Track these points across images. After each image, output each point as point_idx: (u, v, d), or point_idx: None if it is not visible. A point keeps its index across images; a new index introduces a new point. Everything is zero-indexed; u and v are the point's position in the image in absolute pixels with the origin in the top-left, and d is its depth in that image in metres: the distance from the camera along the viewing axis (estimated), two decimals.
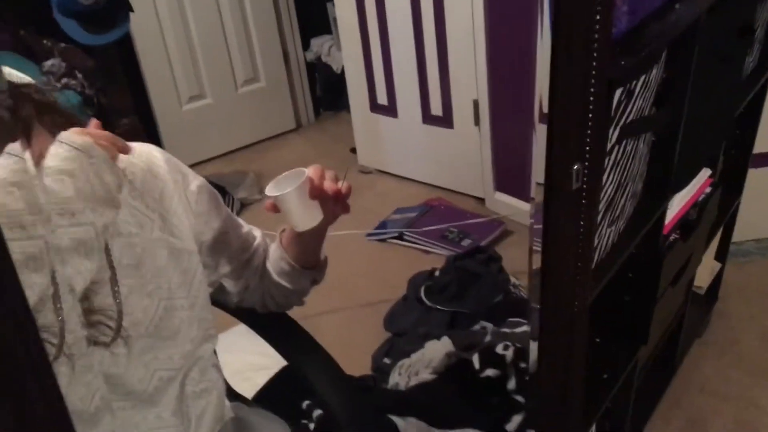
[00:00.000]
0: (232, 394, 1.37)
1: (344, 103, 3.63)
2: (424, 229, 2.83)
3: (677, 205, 1.45)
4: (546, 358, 0.86)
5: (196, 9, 3.47)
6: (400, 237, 2.84)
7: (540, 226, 0.75)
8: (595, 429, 1.47)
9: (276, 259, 1.15)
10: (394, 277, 2.57)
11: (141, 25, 3.21)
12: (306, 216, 0.99)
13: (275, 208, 0.99)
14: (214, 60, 3.61)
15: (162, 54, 3.43)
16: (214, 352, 1.12)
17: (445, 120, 3.07)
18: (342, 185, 1.02)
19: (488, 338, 2.03)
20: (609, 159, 1.02)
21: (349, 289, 2.56)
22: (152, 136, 3.41)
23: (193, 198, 1.01)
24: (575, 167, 0.62)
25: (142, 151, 0.98)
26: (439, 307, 2.31)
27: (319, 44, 3.95)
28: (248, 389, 1.65)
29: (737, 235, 2.34)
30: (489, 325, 2.15)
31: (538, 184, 0.65)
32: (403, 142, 3.28)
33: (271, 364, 2.00)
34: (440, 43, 2.90)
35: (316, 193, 0.98)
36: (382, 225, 2.94)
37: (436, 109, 3.08)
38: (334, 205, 1.03)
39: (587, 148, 0.62)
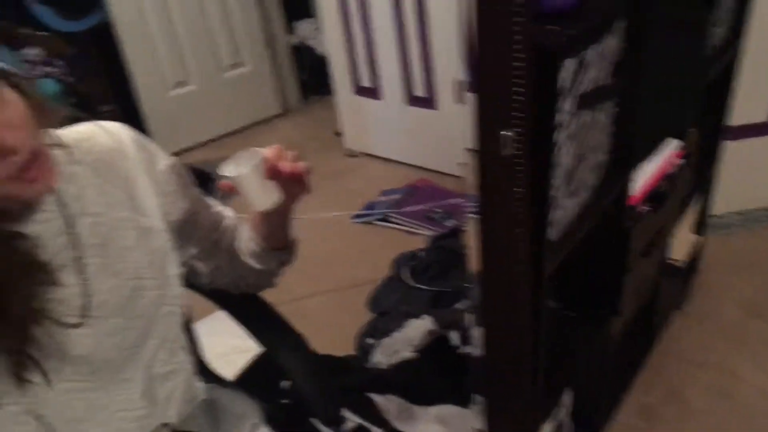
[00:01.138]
0: (210, 376, 1.39)
1: (330, 88, 3.62)
2: (409, 209, 2.84)
3: (645, 177, 1.46)
4: (489, 334, 0.87)
5: None
6: (386, 219, 2.85)
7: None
8: (573, 398, 1.49)
9: (245, 239, 1.15)
10: (379, 259, 2.58)
11: (122, 11, 3.19)
12: (263, 196, 0.99)
13: (232, 189, 0.98)
14: (197, 45, 3.61)
15: (145, 40, 3.42)
16: (188, 333, 1.13)
17: (429, 101, 3.06)
18: (299, 165, 1.01)
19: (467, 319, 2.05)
20: (566, 130, 1.03)
21: (334, 271, 2.58)
22: (137, 123, 3.41)
23: (161, 177, 1.01)
24: (503, 133, 0.62)
25: (110, 130, 0.98)
26: (421, 286, 2.33)
27: (303, 28, 3.93)
28: (231, 372, 1.67)
29: (719, 208, 2.35)
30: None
31: (468, 149, 0.65)
32: (387, 124, 3.28)
33: (253, 347, 2.02)
34: (421, 24, 2.89)
35: (270, 173, 0.96)
36: (368, 207, 2.95)
37: (420, 90, 3.08)
38: (292, 185, 1.02)
39: (516, 114, 0.62)
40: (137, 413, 1.00)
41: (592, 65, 1.03)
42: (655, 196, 1.50)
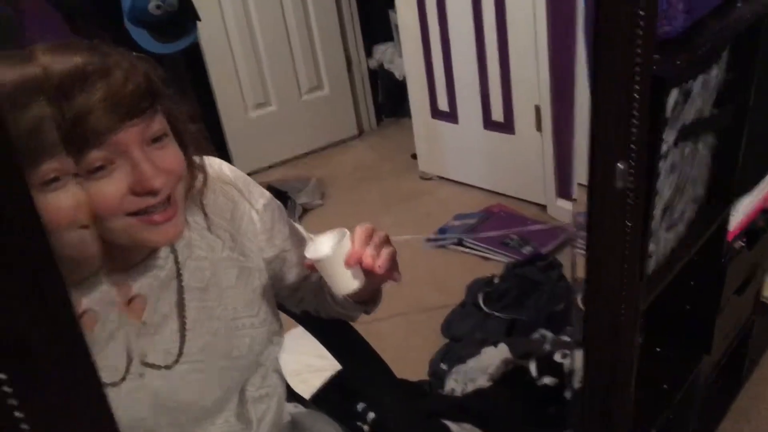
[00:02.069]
0: (291, 395, 1.40)
1: (406, 110, 3.64)
2: (484, 235, 2.81)
3: (743, 211, 1.40)
4: (590, 366, 0.85)
5: (261, 18, 3.55)
6: (460, 243, 2.83)
7: (585, 230, 0.74)
8: None
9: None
10: (452, 283, 2.56)
11: (209, 33, 3.31)
12: (342, 282, 0.90)
13: (313, 269, 0.93)
14: (279, 68, 3.69)
15: (229, 62, 3.53)
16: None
17: (507, 126, 3.04)
18: (383, 259, 0.89)
19: (547, 346, 2.00)
20: (666, 161, 1.00)
21: (407, 295, 2.57)
22: (219, 143, 3.50)
23: (258, 216, 0.99)
24: (619, 165, 0.61)
25: (214, 167, 0.96)
26: (497, 313, 2.29)
27: (382, 51, 3.98)
28: (305, 390, 1.68)
29: None
30: (548, 333, 2.12)
31: (580, 185, 0.64)
32: (463, 148, 3.27)
33: (327, 366, 2.03)
34: (502, 49, 2.88)
35: (352, 262, 0.88)
36: (442, 231, 2.94)
37: (498, 114, 3.06)
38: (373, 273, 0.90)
39: (632, 146, 0.61)
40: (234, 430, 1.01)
41: (696, 95, 1.00)
42: (752, 231, 1.45)
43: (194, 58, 3.25)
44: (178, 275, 0.90)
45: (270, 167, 3.77)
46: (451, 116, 3.26)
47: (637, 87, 0.57)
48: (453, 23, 3.03)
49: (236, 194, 0.97)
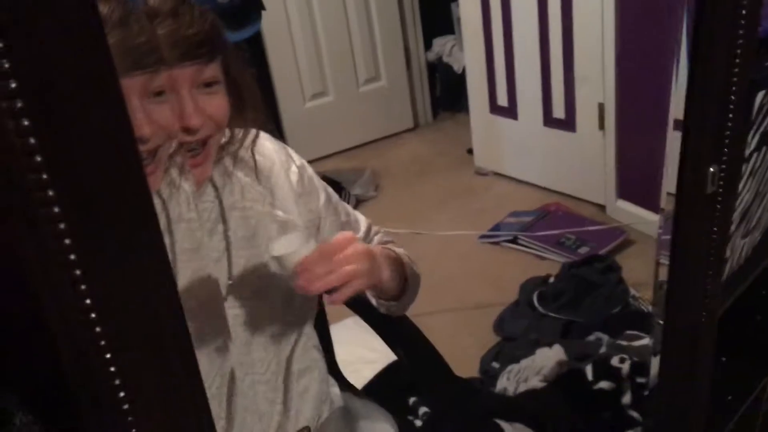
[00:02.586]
0: (344, 384, 1.40)
1: (462, 104, 3.61)
2: (540, 233, 2.77)
3: None
4: (667, 375, 0.82)
5: (323, 8, 3.57)
6: (515, 241, 2.79)
7: (668, 237, 0.71)
8: None
9: None
10: (506, 281, 2.53)
11: (271, 23, 3.33)
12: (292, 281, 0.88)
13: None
14: (338, 59, 3.70)
15: (289, 52, 3.55)
16: (322, 333, 1.15)
17: (568, 123, 2.99)
18: (326, 279, 0.86)
19: (603, 350, 1.96)
20: (747, 165, 0.96)
21: (460, 291, 2.55)
22: (276, 131, 3.53)
23: (294, 178, 1.05)
24: (711, 169, 0.58)
25: (251, 133, 1.03)
26: (552, 314, 2.26)
27: (442, 44, 3.95)
28: (356, 382, 1.67)
29: None
30: (604, 337, 2.08)
31: (669, 194, 0.62)
32: (522, 144, 3.23)
33: (379, 358, 2.03)
34: (566, 43, 2.83)
35: (298, 270, 0.86)
36: (496, 228, 2.91)
37: (559, 111, 3.01)
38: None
39: (725, 149, 0.58)
40: (276, 407, 1.02)
41: None
42: None
43: (256, 47, 3.28)
44: (224, 221, 0.95)
45: (326, 157, 3.79)
46: (511, 112, 3.22)
47: (734, 88, 0.55)
48: (516, 17, 2.99)
49: (273, 155, 1.03)
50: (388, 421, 1.23)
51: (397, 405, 1.71)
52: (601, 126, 2.82)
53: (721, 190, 0.60)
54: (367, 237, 1.18)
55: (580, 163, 2.97)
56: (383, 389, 1.72)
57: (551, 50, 2.90)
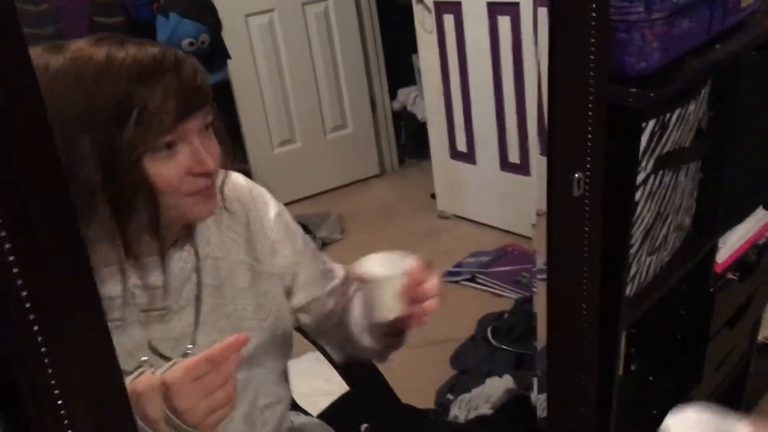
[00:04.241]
0: (298, 407, 1.45)
1: (427, 152, 3.74)
2: (496, 270, 2.87)
3: (734, 244, 1.46)
4: (554, 395, 0.88)
5: (290, 58, 3.70)
6: (473, 279, 2.89)
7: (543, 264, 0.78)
8: None
9: (357, 310, 1.10)
10: (464, 318, 2.61)
11: (240, 72, 3.46)
12: (390, 305, 0.91)
13: (362, 281, 0.95)
14: (305, 107, 3.83)
15: (258, 100, 3.67)
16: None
17: (522, 167, 3.12)
18: (429, 306, 0.94)
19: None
20: (645, 187, 1.08)
21: (418, 327, 2.62)
22: (245, 177, 3.61)
23: (270, 224, 1.05)
24: (576, 175, 0.68)
25: (230, 176, 1.02)
26: (504, 347, 2.34)
27: (406, 94, 4.11)
28: (312, 411, 1.73)
29: None
30: None
31: (539, 214, 0.70)
32: (481, 188, 3.35)
33: (335, 390, 2.09)
34: (518, 93, 2.98)
35: (406, 293, 0.91)
36: (458, 266, 3.00)
37: (514, 156, 3.14)
38: (417, 311, 0.94)
39: (588, 158, 0.68)
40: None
41: (674, 128, 1.08)
42: (744, 265, 1.50)
43: (224, 95, 3.39)
44: (198, 270, 0.96)
45: (294, 202, 3.88)
46: (470, 157, 3.36)
47: (590, 105, 0.65)
48: (472, 68, 3.14)
49: (250, 202, 1.04)
50: None
51: (348, 431, 1.77)
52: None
53: (587, 193, 0.70)
54: (345, 284, 1.15)
55: (535, 206, 3.08)
56: (337, 416, 1.77)
57: (505, 98, 3.05)
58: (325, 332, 1.18)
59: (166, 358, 0.93)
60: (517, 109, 3.02)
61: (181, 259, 0.95)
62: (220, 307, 0.98)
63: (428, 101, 3.45)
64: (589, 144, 0.67)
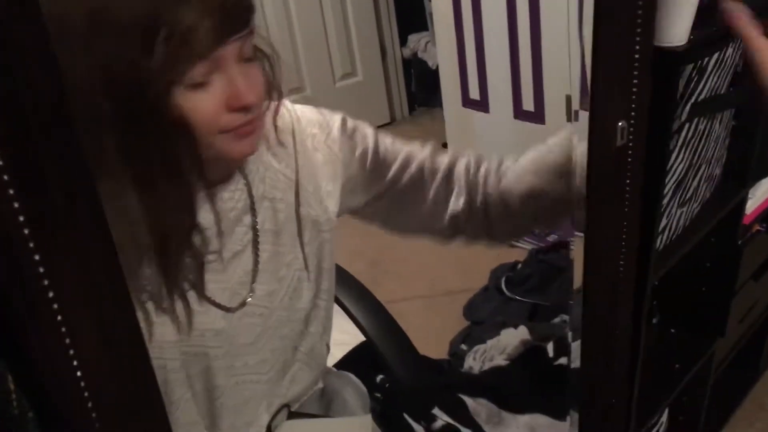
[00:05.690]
0: None
1: (438, 100, 3.67)
2: None
3: (762, 195, 1.41)
4: (587, 345, 0.87)
5: (299, 5, 3.61)
6: None
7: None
8: (666, 417, 1.45)
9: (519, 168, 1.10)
10: (476, 268, 2.59)
11: None
12: None
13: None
14: (314, 54, 3.75)
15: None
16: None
17: (537, 115, 3.05)
18: None
19: (567, 330, 2.03)
20: (679, 136, 1.03)
21: (431, 277, 2.61)
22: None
23: (336, 145, 0.98)
24: (620, 124, 0.64)
25: (288, 108, 0.96)
26: (518, 298, 2.32)
27: (416, 40, 4.01)
28: (328, 362, 1.73)
29: None
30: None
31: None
32: (494, 136, 3.29)
33: (349, 339, 2.09)
34: (534, 38, 2.90)
35: None
36: None
37: (528, 104, 3.07)
38: None
39: (632, 105, 0.64)
40: (268, 376, 0.97)
41: (711, 73, 1.02)
42: None
43: None
44: (252, 211, 0.87)
45: None
46: (482, 105, 3.28)
47: (637, 47, 0.60)
48: (486, 12, 3.05)
49: (311, 131, 0.96)
50: (361, 394, 1.26)
51: (364, 382, 1.76)
52: (569, 118, 2.88)
53: (631, 143, 0.66)
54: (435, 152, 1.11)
55: None
56: (352, 367, 1.77)
57: (520, 44, 2.97)
58: (410, 220, 1.13)
59: (223, 308, 0.87)
60: (532, 55, 2.94)
61: (232, 199, 0.85)
62: (279, 255, 0.90)
63: (440, 47, 3.36)
64: (635, 90, 0.63)
